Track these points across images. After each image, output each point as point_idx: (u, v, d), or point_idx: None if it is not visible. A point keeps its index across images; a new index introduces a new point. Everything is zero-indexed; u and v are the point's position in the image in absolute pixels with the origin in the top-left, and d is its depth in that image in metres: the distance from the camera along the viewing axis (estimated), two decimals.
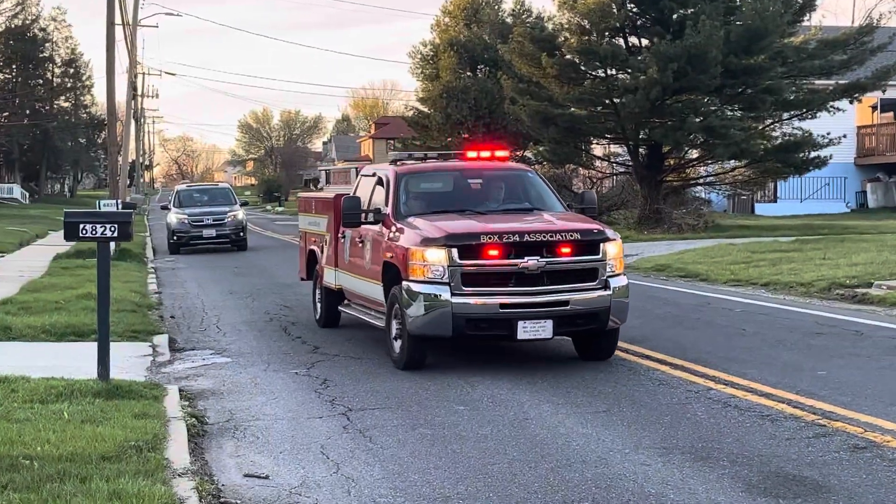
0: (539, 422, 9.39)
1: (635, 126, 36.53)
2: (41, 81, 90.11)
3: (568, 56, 36.48)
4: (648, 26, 36.53)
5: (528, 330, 11.35)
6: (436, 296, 11.35)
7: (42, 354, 12.68)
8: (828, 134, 35.30)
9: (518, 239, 11.39)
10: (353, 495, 7.37)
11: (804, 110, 35.69)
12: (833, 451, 8.18)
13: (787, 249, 25.40)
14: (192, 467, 7.89)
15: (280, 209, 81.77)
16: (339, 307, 15.04)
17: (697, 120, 34.10)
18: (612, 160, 42.32)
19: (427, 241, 11.50)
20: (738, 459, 7.98)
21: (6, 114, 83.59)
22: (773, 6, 33.21)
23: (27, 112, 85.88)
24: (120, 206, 27.34)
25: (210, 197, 36.76)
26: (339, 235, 14.57)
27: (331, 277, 15.08)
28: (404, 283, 11.65)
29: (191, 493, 7.10)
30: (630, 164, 39.44)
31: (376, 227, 12.89)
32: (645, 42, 37.12)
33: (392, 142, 75.14)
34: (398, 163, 13.90)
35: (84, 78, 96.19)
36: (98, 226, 10.35)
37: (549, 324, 11.39)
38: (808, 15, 37.28)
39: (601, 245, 11.70)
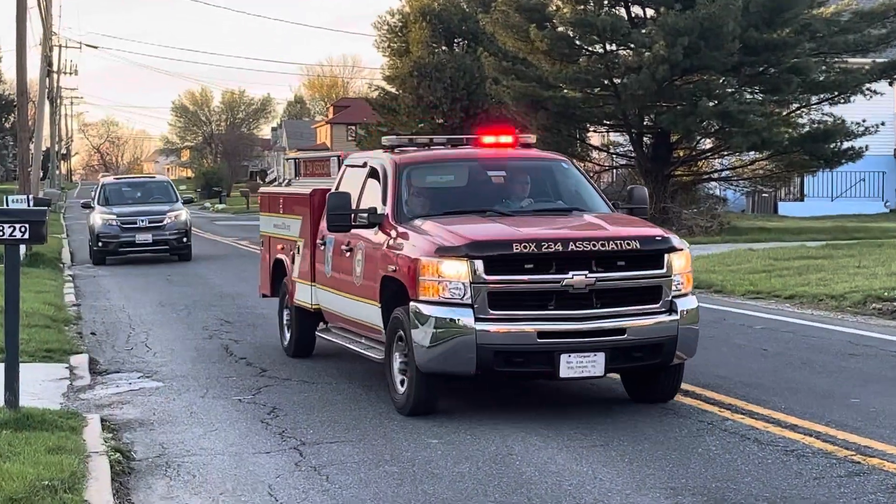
0: (525, 457, 9.41)
1: (639, 111, 36.67)
2: None
3: (560, 28, 36.60)
4: None
5: (573, 366, 10.36)
6: (454, 321, 10.32)
7: None
8: (863, 121, 35.52)
9: (561, 248, 10.37)
10: None
11: (836, 93, 35.91)
12: (869, 493, 8.22)
13: (815, 256, 25.51)
14: None
15: (221, 207, 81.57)
16: (317, 332, 14.10)
17: (711, 104, 34.24)
18: (612, 151, 42.47)
19: (443, 251, 10.44)
20: (759, 502, 8.00)
21: None
22: None
23: None
24: (32, 203, 27.19)
25: (145, 193, 34.36)
26: (319, 242, 13.49)
27: (305, 295, 14.01)
28: (412, 304, 10.60)
29: None
30: (633, 155, 39.60)
31: (370, 232, 11.86)
32: (650, 12, 37.28)
33: (353, 128, 75.19)
34: (396, 150, 12.79)
35: None
36: (6, 226, 10.29)
37: (600, 357, 10.39)
38: None
39: (666, 256, 10.75)
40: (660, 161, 38.07)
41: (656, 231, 11.13)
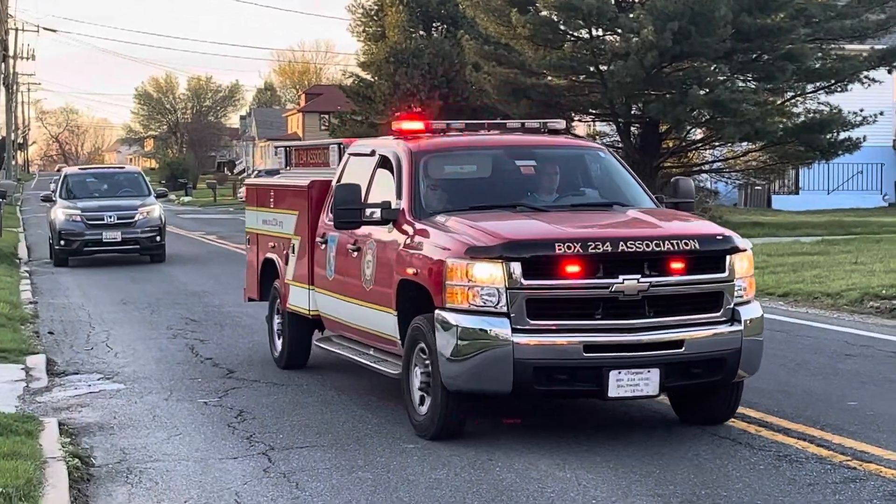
0: (506, 463, 9.42)
1: (626, 99, 36.71)
2: None
3: (544, 12, 36.60)
4: None
5: (623, 384, 9.51)
6: (487, 331, 9.47)
7: None
8: (861, 111, 35.63)
9: (611, 249, 9.53)
10: None
11: (832, 81, 36.02)
12: (865, 500, 8.27)
13: (810, 252, 25.62)
14: None
15: (187, 199, 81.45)
16: (316, 342, 13.30)
17: (702, 92, 34.31)
18: (599, 141, 42.50)
19: (474, 252, 9.61)
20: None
21: None
22: None
23: None
24: None
25: (112, 185, 32.18)
26: (319, 240, 12.64)
27: (301, 299, 13.17)
28: (437, 312, 9.78)
29: None
30: (620, 145, 39.63)
31: (383, 230, 11.06)
32: None
33: (327, 116, 75.10)
34: (410, 136, 12.00)
35: None
36: None
37: (654, 374, 9.56)
38: None
39: (727, 258, 9.95)
40: (648, 152, 38.14)
41: (717, 229, 10.32)
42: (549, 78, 37.64)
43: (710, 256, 9.91)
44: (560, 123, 12.67)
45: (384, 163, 11.80)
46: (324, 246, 12.52)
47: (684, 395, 10.55)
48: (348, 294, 11.91)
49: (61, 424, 10.86)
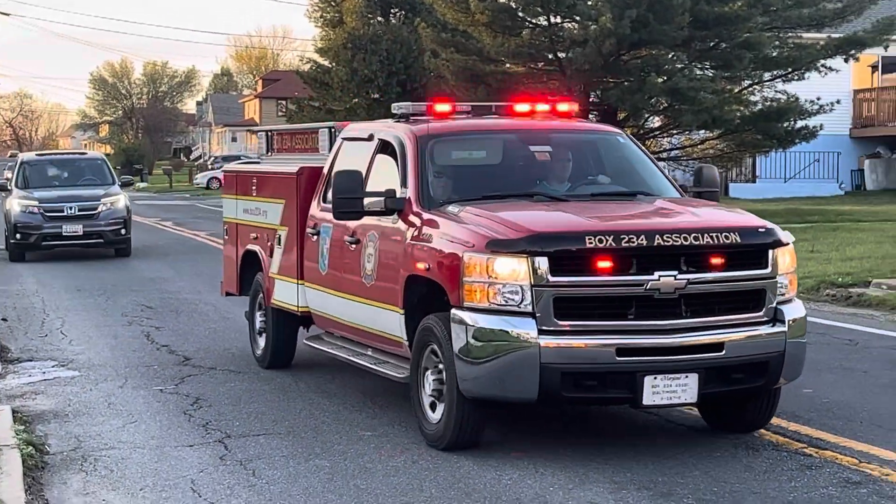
0: (463, 451, 9.40)
1: (585, 86, 36.74)
2: None
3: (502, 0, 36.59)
4: None
5: (659, 390, 8.70)
6: (511, 333, 8.63)
7: None
8: (818, 99, 35.79)
9: (646, 242, 8.70)
10: None
11: (790, 70, 36.14)
12: (821, 487, 8.32)
13: None
14: None
15: (143, 185, 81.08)
16: (306, 341, 12.38)
17: (660, 80, 34.38)
18: None
19: (496, 245, 8.75)
20: (707, 496, 8.08)
21: None
22: None
23: None
24: None
25: (74, 173, 29.51)
26: (310, 231, 11.76)
27: (289, 295, 12.32)
28: (454, 311, 8.93)
29: None
30: None
31: (387, 221, 10.21)
32: None
33: (284, 102, 74.82)
34: (412, 119, 11.14)
35: None
36: None
37: (692, 380, 8.74)
38: None
39: (770, 252, 9.16)
40: None
41: (758, 221, 9.44)
42: (508, 65, 37.62)
43: (752, 251, 9.11)
44: (572, 106, 11.91)
45: (385, 148, 10.93)
46: (315, 237, 11.66)
47: (718, 401, 9.58)
48: (345, 290, 11.07)
49: (15, 412, 10.78)
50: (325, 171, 11.77)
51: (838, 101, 37.92)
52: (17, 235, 26.98)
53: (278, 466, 9.07)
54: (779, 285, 9.19)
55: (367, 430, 10.21)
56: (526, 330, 8.58)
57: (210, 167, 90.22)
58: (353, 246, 10.79)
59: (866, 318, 16.17)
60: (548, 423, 10.25)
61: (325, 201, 11.45)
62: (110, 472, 9.03)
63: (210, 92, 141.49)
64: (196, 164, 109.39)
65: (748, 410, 9.62)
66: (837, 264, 20.30)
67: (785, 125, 36.26)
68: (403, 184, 10.22)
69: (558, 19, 36.73)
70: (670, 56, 35.65)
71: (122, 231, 27.47)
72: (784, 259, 9.26)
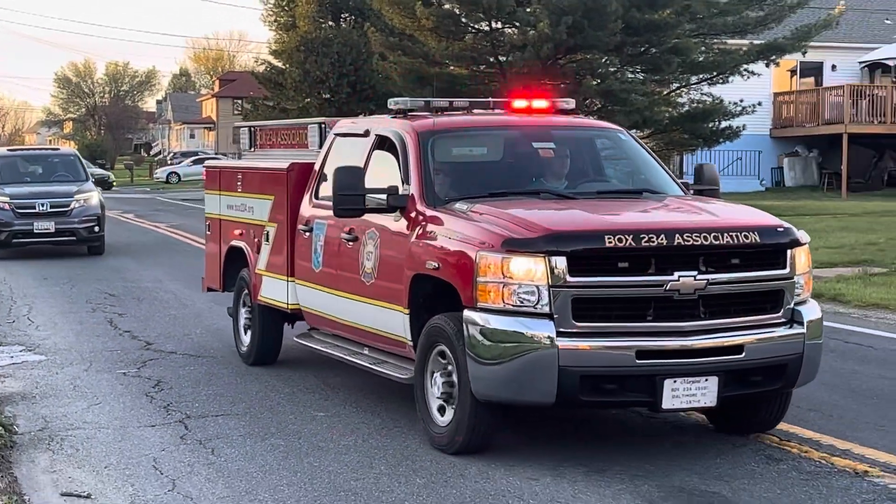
0: (411, 430, 9.42)
1: (524, 87, 36.79)
2: None
3: (447, 6, 36.60)
4: None
5: (679, 394, 8.05)
6: (528, 334, 7.92)
7: None
8: (741, 101, 36.08)
9: (666, 242, 8.03)
10: None
11: (715, 73, 36.40)
12: (745, 464, 8.37)
13: None
14: None
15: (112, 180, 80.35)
16: (297, 338, 11.57)
17: (595, 83, 34.54)
18: None
19: (512, 244, 8.05)
20: (639, 473, 8.11)
21: None
22: None
23: None
24: None
25: (46, 169, 27.45)
26: (302, 228, 11.02)
27: (278, 292, 11.54)
28: (467, 312, 8.20)
29: None
30: None
31: (388, 218, 9.49)
32: None
33: (240, 101, 74.44)
34: (410, 115, 10.41)
35: None
36: None
37: (712, 383, 8.09)
38: None
39: (788, 252, 8.52)
40: None
41: (775, 220, 8.81)
42: (452, 67, 37.63)
43: (771, 251, 8.45)
44: (570, 103, 11.09)
45: (382, 144, 10.19)
46: (307, 234, 10.89)
47: (730, 402, 8.67)
48: (342, 288, 10.30)
49: None
50: (317, 167, 11.13)
51: (760, 104, 38.28)
52: None
53: (236, 445, 9.04)
54: (796, 286, 8.57)
55: (319, 410, 10.19)
56: (543, 331, 7.88)
57: (169, 162, 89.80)
58: (351, 243, 10.06)
59: None
60: None
61: (317, 197, 10.89)
62: (76, 450, 8.97)
63: (169, 91, 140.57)
64: (156, 159, 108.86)
65: (760, 413, 9.00)
66: None
67: (710, 125, 36.54)
68: (406, 181, 9.51)
69: (499, 25, 36.80)
70: (604, 60, 35.82)
71: (96, 228, 25.39)
72: (800, 259, 8.62)
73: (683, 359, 8.06)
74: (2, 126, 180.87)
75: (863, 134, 43.19)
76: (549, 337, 7.86)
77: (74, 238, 25.26)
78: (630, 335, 8.01)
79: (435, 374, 8.74)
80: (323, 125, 11.67)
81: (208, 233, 13.72)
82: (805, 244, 8.71)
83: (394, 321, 9.37)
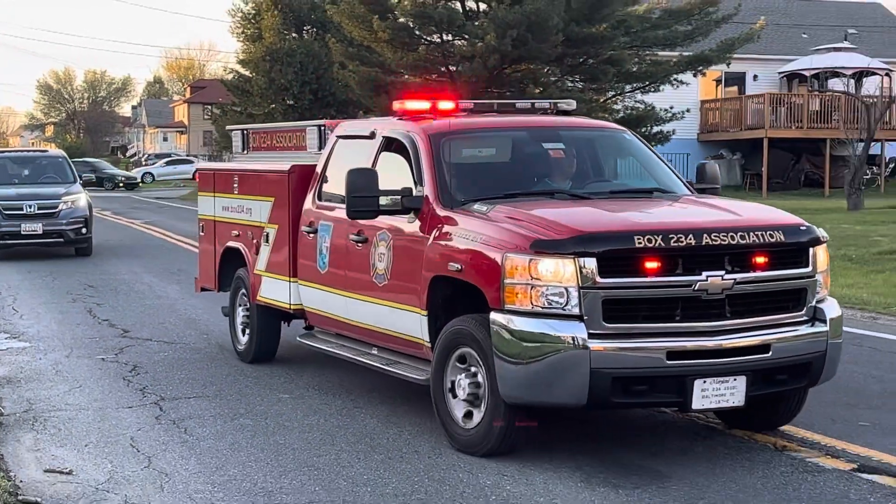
0: (370, 411, 9.42)
1: (472, 95, 36.81)
2: None
3: (401, 19, 36.54)
4: None
5: (708, 394, 7.46)
6: (559, 336, 7.27)
7: None
8: (671, 108, 36.27)
9: (694, 242, 7.43)
10: (166, 491, 7.28)
11: (647, 83, 36.60)
12: (678, 441, 8.43)
13: None
14: None
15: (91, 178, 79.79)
16: (300, 338, 10.81)
17: (537, 91, 34.58)
18: None
19: (541, 246, 7.38)
20: (579, 449, 8.14)
21: None
22: None
23: None
24: None
25: (34, 171, 25.58)
26: (306, 230, 10.24)
27: (279, 293, 10.79)
28: (495, 315, 7.52)
29: None
30: None
31: (401, 220, 8.78)
32: (483, 6, 37.43)
33: (210, 107, 74.01)
34: (416, 117, 9.57)
35: None
36: None
37: (740, 382, 7.51)
38: None
39: (810, 250, 7.94)
40: None
41: (797, 218, 8.22)
42: (406, 76, 37.57)
43: (795, 249, 7.87)
44: (571, 104, 10.43)
45: (390, 145, 9.43)
46: (312, 236, 10.14)
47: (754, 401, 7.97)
48: (351, 289, 9.55)
49: None
50: (319, 169, 10.38)
51: (688, 110, 38.49)
52: None
53: (207, 425, 9.00)
54: (817, 284, 7.99)
55: (285, 393, 10.17)
56: (574, 333, 7.24)
57: (144, 163, 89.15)
58: (360, 245, 9.29)
59: None
60: None
61: (320, 199, 10.20)
62: (58, 430, 8.90)
63: (144, 97, 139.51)
64: (132, 160, 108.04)
65: (778, 410, 8.44)
66: None
67: (643, 130, 36.68)
68: (418, 182, 8.76)
69: (450, 37, 36.80)
70: (546, 70, 35.92)
71: (84, 230, 23.60)
72: (822, 257, 8.04)
73: (713, 359, 7.46)
74: None
75: (782, 138, 43.55)
76: (580, 339, 7.23)
77: (62, 239, 23.50)
78: (659, 336, 7.40)
79: (459, 377, 8.03)
80: (322, 127, 10.90)
81: (202, 234, 12.89)
82: (825, 242, 8.14)
83: (409, 322, 8.66)
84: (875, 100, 36.94)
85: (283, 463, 7.88)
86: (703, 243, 7.43)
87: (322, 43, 47.70)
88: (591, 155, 9.72)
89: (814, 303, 7.93)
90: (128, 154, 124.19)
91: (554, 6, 32.66)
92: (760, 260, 7.64)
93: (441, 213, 8.41)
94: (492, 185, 8.81)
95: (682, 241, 7.38)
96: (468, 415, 8.02)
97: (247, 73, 54.40)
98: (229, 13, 61.91)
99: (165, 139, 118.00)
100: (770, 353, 7.59)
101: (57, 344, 12.85)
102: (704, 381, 7.42)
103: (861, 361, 11.28)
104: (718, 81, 48.98)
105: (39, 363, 11.73)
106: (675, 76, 36.37)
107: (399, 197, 8.68)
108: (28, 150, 32.09)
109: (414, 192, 8.69)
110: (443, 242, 8.22)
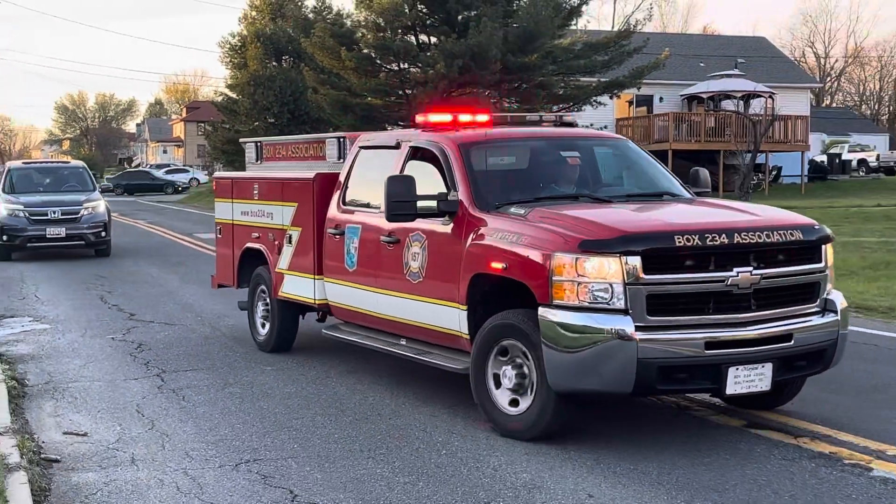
0: (340, 380, 9.41)
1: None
2: None
3: (365, 50, 36.44)
4: (437, 25, 36.80)
5: (741, 380, 7.04)
6: (609, 330, 6.78)
7: None
8: (591, 125, 36.27)
9: (727, 241, 7.02)
10: (167, 449, 7.24)
11: (571, 104, 36.73)
12: (645, 414, 8.44)
13: None
14: (13, 426, 7.61)
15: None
16: (325, 330, 9.94)
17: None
18: None
19: (589, 245, 6.90)
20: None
21: None
22: (545, 11, 33.99)
23: None
24: None
25: (57, 180, 24.28)
26: (332, 232, 9.57)
27: (303, 289, 10.10)
28: (544, 310, 7.00)
29: (12, 450, 6.84)
30: None
31: (435, 223, 8.14)
32: (434, 39, 37.41)
33: (203, 124, 73.42)
34: (438, 128, 9.02)
35: None
36: None
37: (767, 369, 7.12)
38: (575, 20, 38.21)
39: (822, 248, 7.58)
40: None
41: (810, 219, 7.77)
42: (369, 98, 37.49)
43: (810, 246, 7.47)
44: (573, 118, 9.95)
45: (416, 154, 8.79)
46: (338, 237, 9.47)
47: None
48: (381, 286, 8.88)
49: (1, 355, 10.50)
50: (343, 177, 9.72)
51: (605, 127, 38.74)
52: (4, 237, 22.08)
53: (202, 393, 8.95)
54: (827, 278, 7.61)
55: (268, 366, 10.13)
56: (622, 326, 6.75)
57: None
58: (392, 246, 8.65)
59: None
60: (400, 362, 10.18)
61: (344, 203, 9.56)
62: (75, 399, 8.82)
63: (146, 116, 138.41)
64: (137, 170, 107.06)
65: (783, 392, 8.01)
66: None
67: None
68: (452, 187, 8.15)
69: (406, 65, 36.79)
70: (487, 93, 35.96)
71: (103, 234, 22.48)
72: (829, 253, 7.68)
73: (744, 347, 7.02)
74: (13, 143, 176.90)
75: (683, 150, 43.79)
76: (628, 331, 6.73)
77: (83, 242, 22.40)
78: (696, 327, 6.93)
79: (504, 368, 7.47)
80: (342, 139, 10.21)
81: (219, 236, 12.06)
82: (833, 240, 7.78)
83: (446, 316, 8.03)
84: (760, 118, 37.31)
85: (266, 425, 7.85)
86: (735, 242, 7.03)
87: (298, 70, 47.48)
88: (602, 162, 9.17)
89: (825, 295, 7.57)
90: (133, 164, 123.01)
91: (493, 40, 32.72)
92: (781, 257, 7.27)
93: (477, 215, 7.83)
94: (519, 190, 8.28)
95: (716, 240, 6.97)
96: (513, 402, 7.45)
97: (234, 95, 54.07)
98: (219, 45, 61.43)
99: (165, 151, 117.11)
100: (792, 341, 7.21)
101: (73, 326, 12.72)
102: (737, 369, 7.00)
103: None
104: (631, 102, 49.20)
105: (58, 342, 11.62)
106: (594, 98, 36.53)
107: (435, 201, 8.08)
108: (51, 161, 30.62)
109: (449, 197, 8.09)
110: (483, 243, 7.62)
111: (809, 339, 7.32)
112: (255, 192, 11.19)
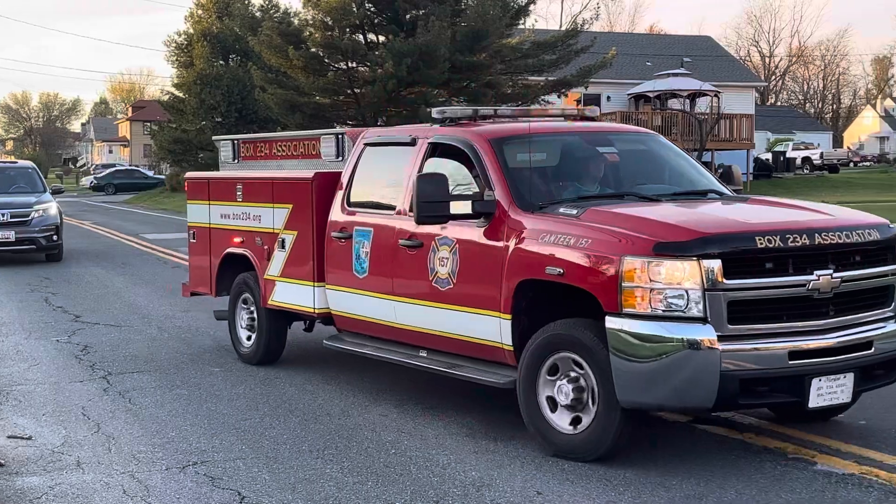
0: (288, 380, 9.37)
1: (374, 114, 36.79)
2: None
3: (313, 49, 36.30)
4: (385, 24, 36.80)
5: (823, 392, 6.40)
6: (688, 340, 6.08)
7: None
8: None
9: (808, 242, 6.40)
10: (113, 452, 7.17)
11: (520, 102, 36.83)
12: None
13: None
14: None
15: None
16: (326, 341, 9.06)
17: (429, 110, 34.52)
18: None
19: (664, 248, 6.18)
20: (463, 409, 8.18)
21: None
22: (493, 10, 34.11)
23: None
24: None
25: (5, 181, 22.23)
26: (337, 235, 8.70)
27: (299, 297, 9.25)
28: (612, 319, 6.27)
29: None
30: None
31: (468, 225, 7.36)
32: (382, 38, 37.38)
33: (149, 124, 72.74)
34: (460, 123, 8.25)
35: None
36: None
37: (848, 380, 6.49)
38: (523, 19, 38.38)
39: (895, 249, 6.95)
40: None
41: (882, 218, 7.16)
42: (318, 98, 37.38)
43: (885, 247, 6.85)
44: (595, 111, 9.18)
45: (435, 151, 8.05)
46: (344, 241, 8.64)
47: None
48: (401, 294, 8.03)
49: None
50: (346, 176, 8.91)
51: None
52: None
53: (149, 395, 8.88)
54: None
55: (216, 367, 10.07)
56: (704, 336, 6.08)
57: (92, 173, 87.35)
58: (413, 250, 7.84)
59: None
60: (347, 361, 10.18)
61: (349, 205, 8.76)
62: (19, 402, 8.71)
63: (92, 115, 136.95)
64: (81, 170, 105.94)
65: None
66: None
67: None
68: (487, 187, 7.37)
69: (354, 64, 36.73)
70: (435, 92, 35.99)
71: (55, 237, 20.96)
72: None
73: (827, 357, 6.39)
74: None
75: None
76: (710, 341, 6.07)
77: (34, 246, 20.73)
78: (777, 336, 6.30)
79: (560, 382, 6.74)
80: (341, 136, 9.31)
81: (193, 241, 11.04)
82: None
83: (482, 326, 7.26)
84: (706, 116, 37.71)
85: (214, 426, 7.80)
86: (816, 243, 6.43)
87: (245, 69, 47.23)
88: (639, 158, 8.47)
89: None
90: (78, 165, 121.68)
91: (441, 39, 32.77)
92: (857, 258, 6.66)
93: (519, 217, 7.07)
94: (559, 189, 7.58)
95: (797, 241, 6.37)
96: (575, 420, 6.74)
97: (181, 94, 53.68)
98: (165, 43, 61.08)
99: (111, 151, 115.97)
100: (872, 349, 6.60)
101: (17, 328, 12.55)
102: (820, 380, 6.37)
103: None
104: (579, 101, 49.36)
105: (2, 345, 11.44)
106: (542, 97, 36.70)
107: (469, 202, 7.32)
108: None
109: (485, 197, 7.32)
110: (531, 248, 6.85)
111: (889, 347, 6.72)
112: (239, 193, 10.18)
